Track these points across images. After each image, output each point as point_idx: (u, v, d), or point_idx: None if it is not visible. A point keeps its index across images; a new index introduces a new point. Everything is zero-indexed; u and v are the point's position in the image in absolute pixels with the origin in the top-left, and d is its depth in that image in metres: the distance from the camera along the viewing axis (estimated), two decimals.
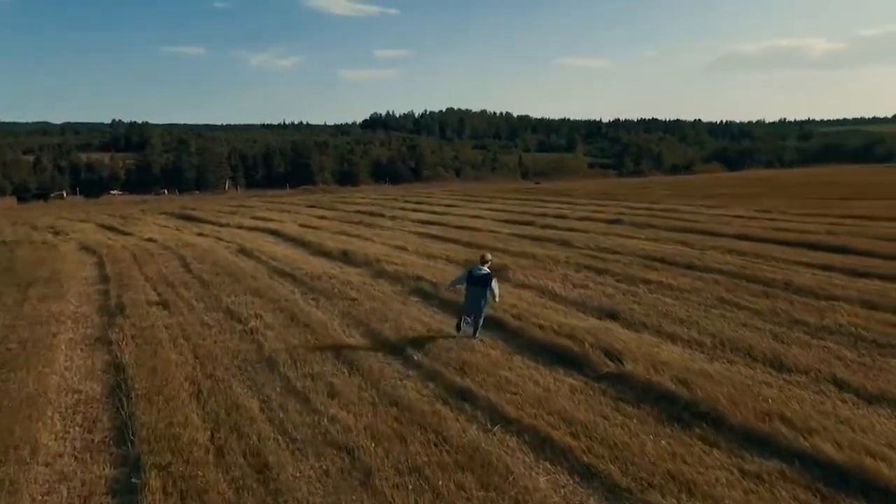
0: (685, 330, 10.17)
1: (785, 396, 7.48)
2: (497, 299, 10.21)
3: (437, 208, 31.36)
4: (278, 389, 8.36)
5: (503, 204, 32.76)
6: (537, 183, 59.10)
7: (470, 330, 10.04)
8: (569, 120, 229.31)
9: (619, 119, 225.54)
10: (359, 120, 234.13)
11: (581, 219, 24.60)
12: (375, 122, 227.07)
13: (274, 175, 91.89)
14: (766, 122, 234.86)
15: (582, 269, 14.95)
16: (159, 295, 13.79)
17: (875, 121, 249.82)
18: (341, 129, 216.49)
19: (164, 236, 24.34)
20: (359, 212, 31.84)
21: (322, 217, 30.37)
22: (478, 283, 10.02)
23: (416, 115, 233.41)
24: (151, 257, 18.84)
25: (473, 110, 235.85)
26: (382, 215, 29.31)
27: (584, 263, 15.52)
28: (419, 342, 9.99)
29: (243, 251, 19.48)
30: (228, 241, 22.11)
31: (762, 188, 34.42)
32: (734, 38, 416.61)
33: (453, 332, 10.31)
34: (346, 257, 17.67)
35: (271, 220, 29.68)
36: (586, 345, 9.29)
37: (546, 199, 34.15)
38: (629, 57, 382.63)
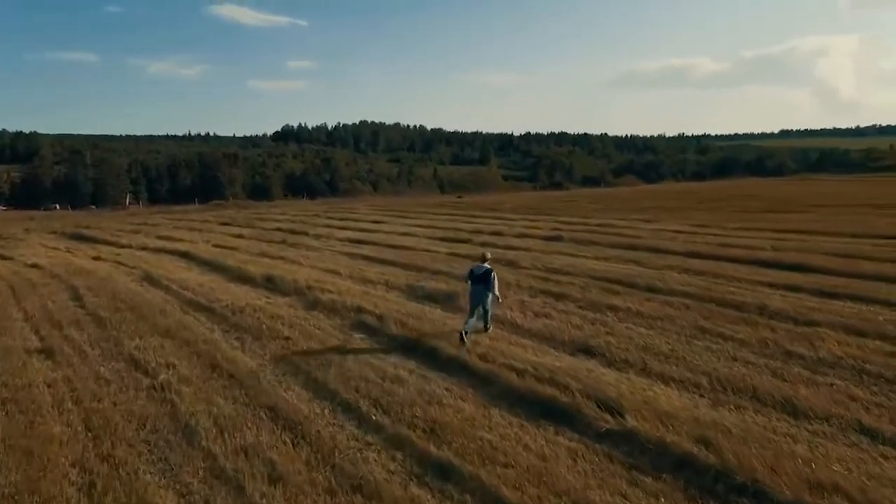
0: (674, 368, 9.02)
1: (821, 455, 6.38)
2: (498, 298, 10.86)
3: (364, 225, 29.50)
4: (201, 474, 6.47)
5: (433, 220, 31.35)
6: (460, 197, 58.25)
7: (481, 324, 10.60)
8: (481, 133, 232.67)
9: (529, 132, 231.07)
10: (269, 132, 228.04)
11: (519, 236, 23.56)
12: (287, 135, 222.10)
13: (180, 189, 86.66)
14: (667, 136, 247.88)
15: (538, 294, 13.69)
16: (42, 339, 11.35)
17: (763, 136, 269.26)
18: (251, 141, 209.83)
19: (53, 261, 21.24)
20: (279, 229, 29.47)
21: (238, 236, 27.82)
22: (480, 281, 10.52)
23: (330, 127, 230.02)
24: (34, 289, 16.05)
25: (387, 123, 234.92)
26: (306, 233, 27.15)
27: (537, 287, 14.28)
28: (374, 394, 8.32)
29: (149, 279, 16.98)
30: (131, 267, 19.42)
31: (686, 201, 34.86)
32: (631, 57, 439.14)
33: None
34: (271, 284, 15.62)
35: (180, 239, 26.86)
36: (574, 393, 7.94)
37: (475, 215, 33.07)
38: (535, 73, 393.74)
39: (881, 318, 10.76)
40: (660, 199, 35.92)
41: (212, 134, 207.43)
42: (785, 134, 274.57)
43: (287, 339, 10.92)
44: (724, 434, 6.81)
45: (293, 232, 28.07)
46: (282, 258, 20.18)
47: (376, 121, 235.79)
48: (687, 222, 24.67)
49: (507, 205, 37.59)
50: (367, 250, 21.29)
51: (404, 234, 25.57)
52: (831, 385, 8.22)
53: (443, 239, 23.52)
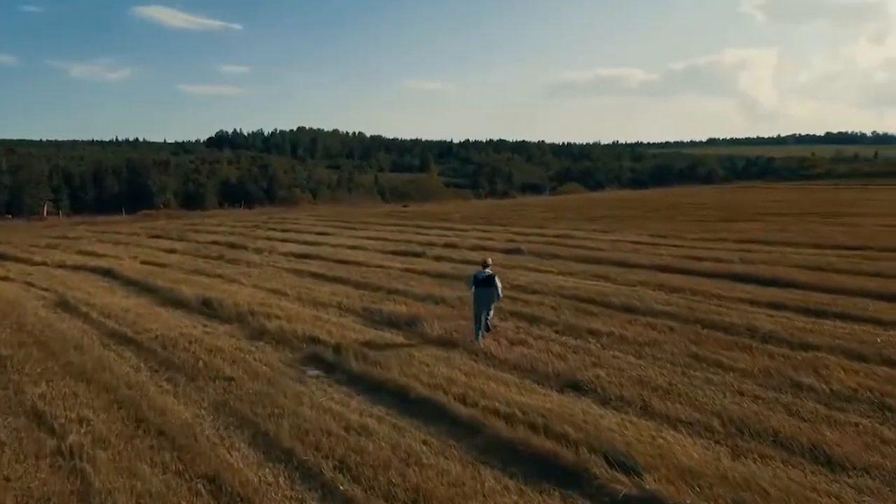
0: (679, 406, 8.00)
1: None
2: (501, 296, 11.22)
3: (308, 237, 27.66)
4: None
5: (381, 231, 29.85)
6: (405, 206, 56.71)
7: (482, 333, 10.80)
8: (421, 140, 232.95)
9: (469, 140, 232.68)
10: (203, 138, 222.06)
11: (474, 248, 22.42)
12: (222, 141, 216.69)
13: (106, 197, 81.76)
14: (602, 143, 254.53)
15: (508, 317, 12.53)
16: None
17: (692, 144, 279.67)
18: (184, 147, 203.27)
19: None
20: (216, 243, 27.31)
21: (170, 250, 25.55)
22: (484, 284, 10.88)
23: (266, 133, 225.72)
24: None
25: (326, 130, 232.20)
26: (246, 247, 25.17)
27: (506, 308, 13.10)
28: (339, 452, 6.94)
29: (64, 304, 14.91)
30: (43, 289, 17.19)
31: (636, 209, 34.62)
32: (564, 66, 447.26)
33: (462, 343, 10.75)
34: (209, 308, 13.89)
35: (104, 255, 24.41)
36: (576, 445, 6.80)
37: (425, 226, 31.76)
38: (471, 81, 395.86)
39: (879, 340, 10.12)
40: (609, 208, 35.60)
41: (141, 139, 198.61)
42: (712, 142, 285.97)
43: (229, 379, 9.35)
44: (763, 497, 5.79)
45: (232, 245, 26.02)
46: (220, 276, 18.34)
47: (314, 127, 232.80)
48: (644, 232, 24.16)
49: (456, 214, 36.45)
50: (314, 266, 19.69)
51: (353, 247, 24.02)
52: (856, 425, 7.35)
53: (395, 252, 22.14)
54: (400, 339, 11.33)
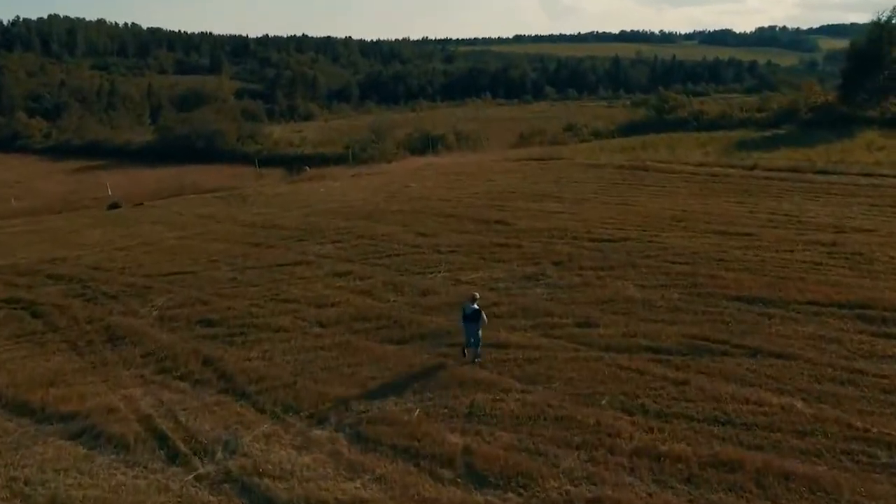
0: None
1: None
2: (486, 321, 12.07)
3: None
4: None
5: None
6: (117, 206, 36.41)
7: (471, 356, 12.02)
8: (211, 34, 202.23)
9: (268, 35, 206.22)
10: None
11: None
12: None
13: None
14: (411, 39, 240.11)
15: None
16: None
17: (500, 41, 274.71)
18: None
19: None
20: None
21: None
22: (471, 319, 11.91)
23: (5, 22, 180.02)
24: None
25: (88, 19, 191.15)
26: None
27: None
28: None
29: None
30: None
31: (518, 244, 19.28)
32: None
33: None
34: None
35: None
36: None
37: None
38: None
39: None
40: (471, 235, 19.67)
41: None
42: (519, 39, 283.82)
43: None
44: None
45: None
46: None
47: (72, 16, 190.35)
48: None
49: (228, 268, 19.44)
50: None
51: None
52: None
53: None
54: None
